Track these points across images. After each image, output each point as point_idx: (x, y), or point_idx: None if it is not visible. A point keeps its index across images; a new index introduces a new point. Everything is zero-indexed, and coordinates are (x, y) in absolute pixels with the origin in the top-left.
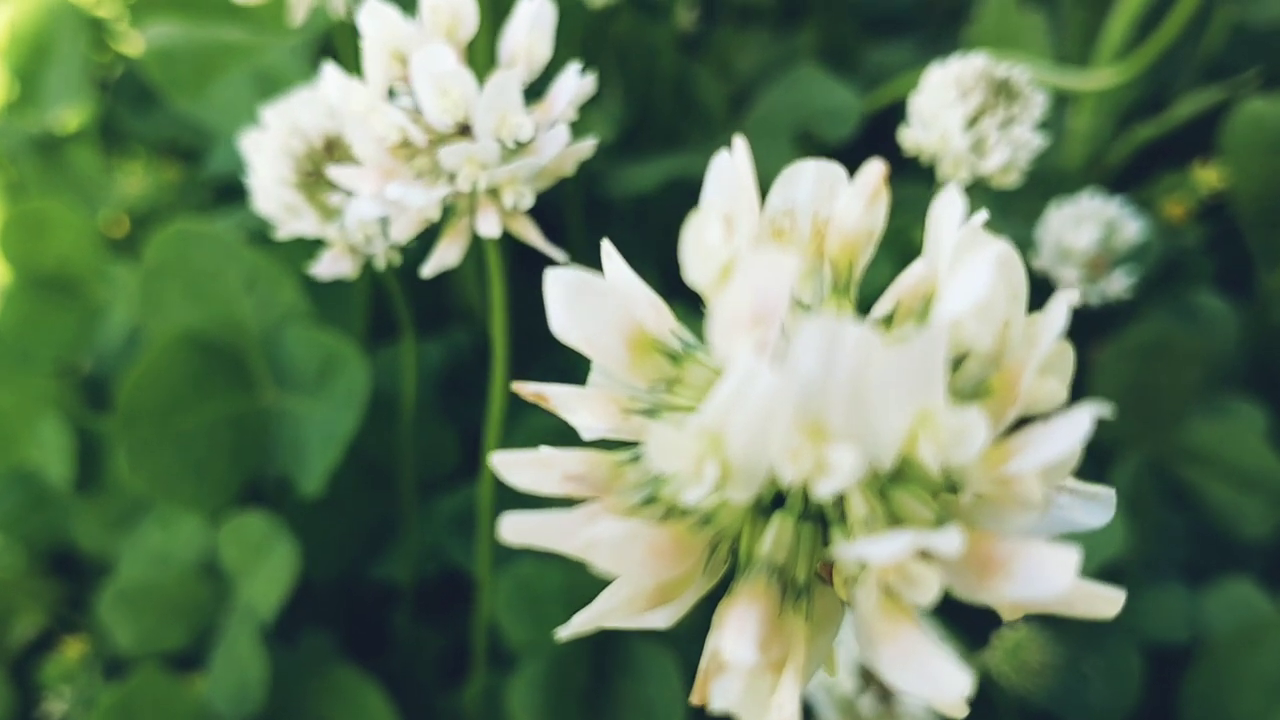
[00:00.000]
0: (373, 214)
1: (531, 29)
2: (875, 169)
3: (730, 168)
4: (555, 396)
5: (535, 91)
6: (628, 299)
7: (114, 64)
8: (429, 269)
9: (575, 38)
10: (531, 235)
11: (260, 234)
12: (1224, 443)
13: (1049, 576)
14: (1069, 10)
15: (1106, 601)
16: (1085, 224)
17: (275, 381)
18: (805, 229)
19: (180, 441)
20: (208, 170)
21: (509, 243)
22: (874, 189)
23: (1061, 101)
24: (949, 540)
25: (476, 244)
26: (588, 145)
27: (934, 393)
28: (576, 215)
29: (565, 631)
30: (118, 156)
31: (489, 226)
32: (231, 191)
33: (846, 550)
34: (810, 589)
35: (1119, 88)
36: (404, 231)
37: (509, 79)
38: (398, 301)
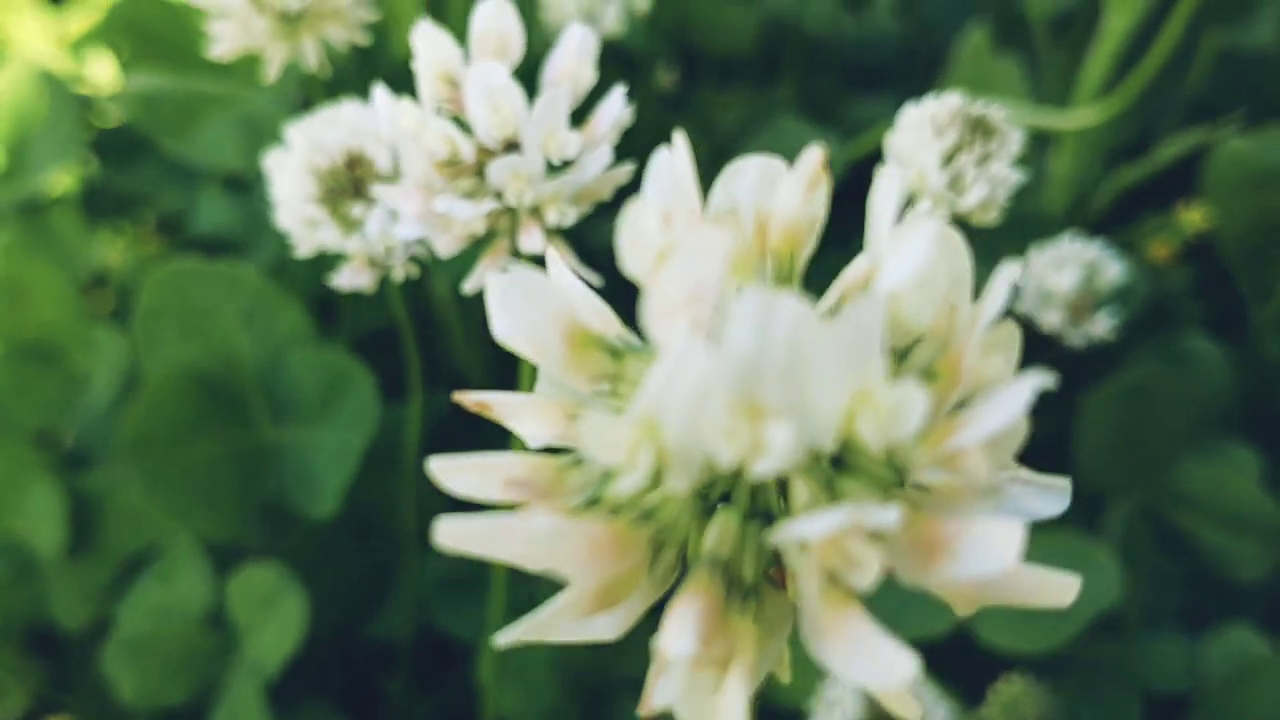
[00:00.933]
0: (415, 234)
1: (579, 54)
2: (814, 155)
3: (669, 165)
4: (499, 404)
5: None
6: (566, 296)
7: (98, 129)
8: (471, 285)
9: None
10: (569, 256)
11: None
12: (1216, 486)
13: (994, 553)
14: (1045, 54)
15: (1061, 588)
16: (1066, 267)
17: (273, 417)
18: (749, 224)
19: (189, 474)
20: (192, 229)
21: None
22: (813, 175)
23: (1043, 145)
24: (888, 514)
25: (464, 304)
26: (626, 170)
27: (872, 367)
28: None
29: (505, 638)
30: (102, 221)
31: (532, 242)
32: (216, 249)
33: (786, 531)
34: (760, 591)
35: (1101, 129)
36: (449, 247)
37: (558, 96)
38: (408, 345)
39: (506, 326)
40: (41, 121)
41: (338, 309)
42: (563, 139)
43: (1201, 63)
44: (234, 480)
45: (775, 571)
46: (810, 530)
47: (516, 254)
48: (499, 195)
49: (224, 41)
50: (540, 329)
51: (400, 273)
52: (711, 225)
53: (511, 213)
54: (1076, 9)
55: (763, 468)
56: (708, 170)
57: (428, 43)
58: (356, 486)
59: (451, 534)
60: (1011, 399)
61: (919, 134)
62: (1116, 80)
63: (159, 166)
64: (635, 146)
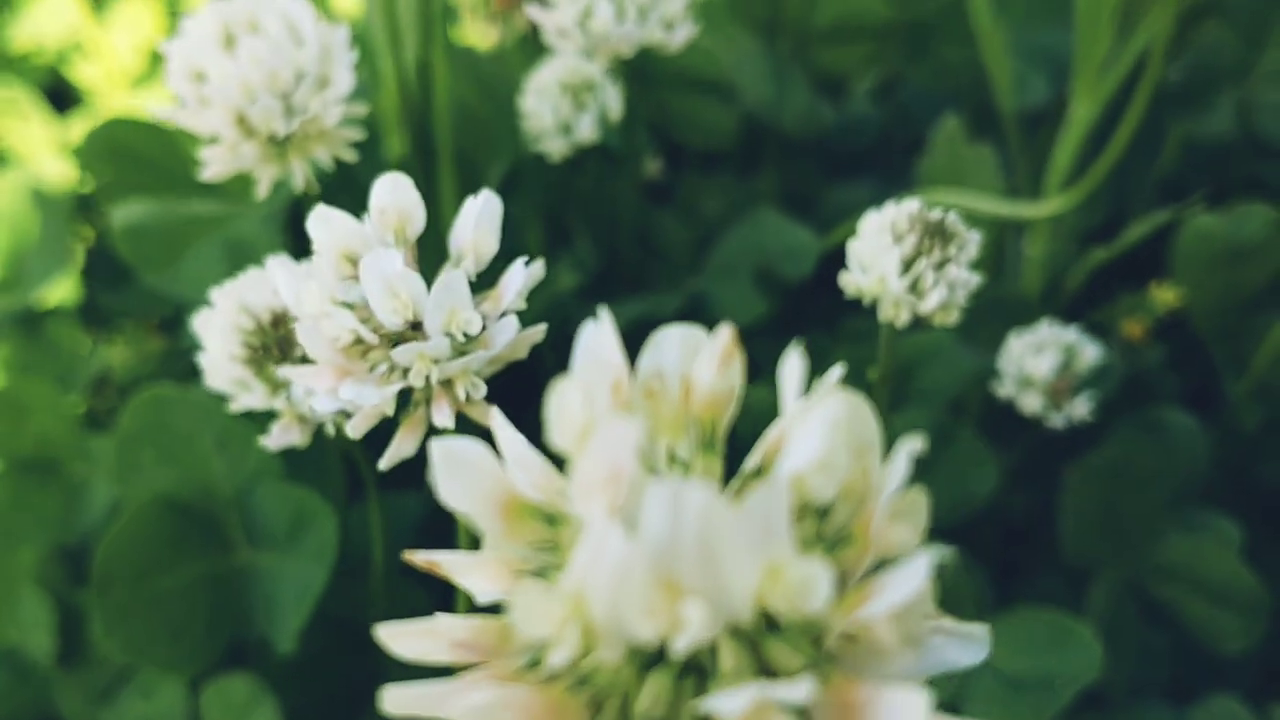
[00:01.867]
0: (329, 409)
1: (477, 225)
2: (724, 334)
3: (594, 341)
4: (447, 563)
5: (488, 278)
6: (500, 470)
7: (92, 242)
8: (386, 461)
9: (541, 190)
10: (489, 420)
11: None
12: (1198, 559)
13: (903, 718)
14: (1016, 142)
15: None
16: (1045, 351)
17: (249, 540)
18: (674, 390)
19: (156, 604)
20: (185, 340)
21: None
22: (725, 352)
23: (1018, 229)
24: (797, 690)
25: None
26: (539, 330)
27: (779, 546)
28: (549, 355)
29: None
30: (98, 331)
31: (443, 418)
32: None
33: (706, 706)
34: None
35: (1073, 213)
36: (359, 428)
37: (455, 278)
38: (360, 464)
39: (448, 495)
40: (36, 234)
41: None
42: (465, 318)
43: (1169, 150)
44: (202, 610)
45: None
46: (725, 708)
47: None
48: (406, 374)
49: (214, 165)
50: (479, 501)
51: (331, 428)
52: (623, 414)
53: (427, 385)
54: (1045, 103)
55: (682, 643)
56: (692, 261)
57: (325, 224)
58: (330, 594)
59: (397, 701)
60: (912, 573)
61: (879, 240)
62: (1085, 166)
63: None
64: (622, 237)
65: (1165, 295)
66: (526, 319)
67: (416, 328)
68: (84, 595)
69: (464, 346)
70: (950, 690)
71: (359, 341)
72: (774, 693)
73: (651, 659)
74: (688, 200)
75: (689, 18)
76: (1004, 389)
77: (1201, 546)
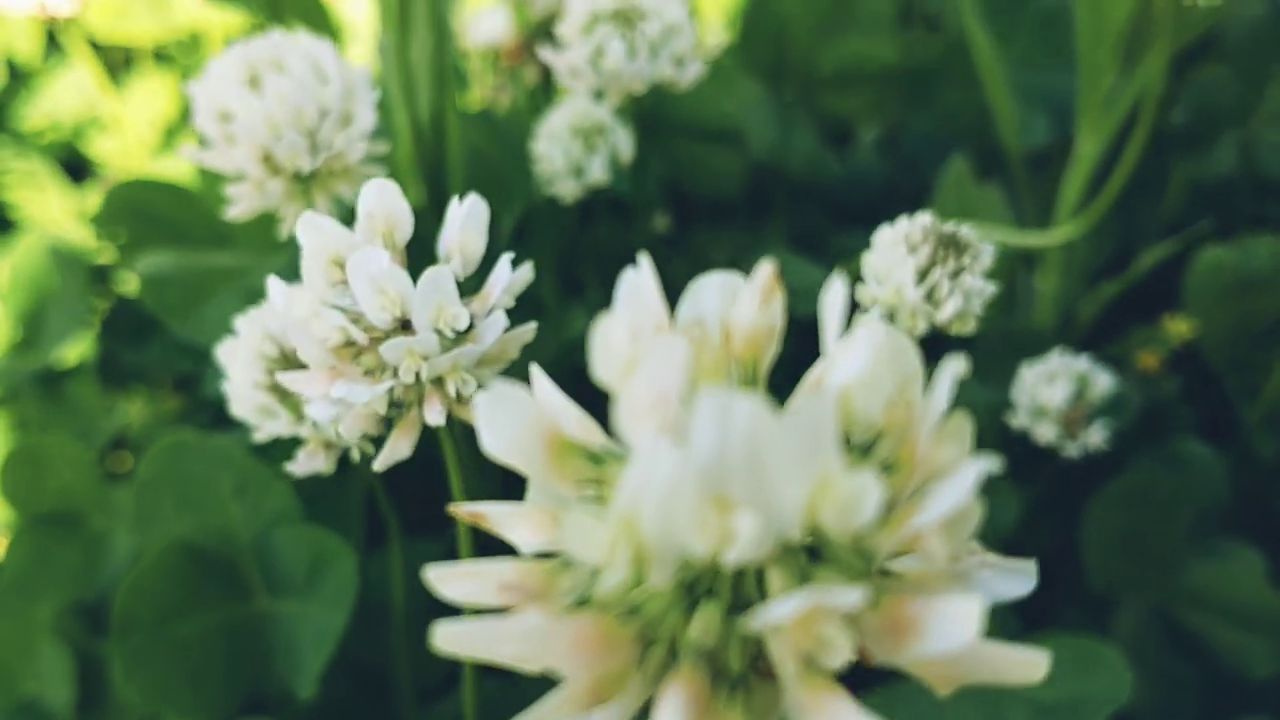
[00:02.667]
0: (326, 415)
1: (464, 226)
2: (765, 270)
3: (636, 284)
4: (492, 515)
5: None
6: (547, 406)
7: (111, 302)
8: (380, 463)
9: (554, 238)
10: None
11: (257, 447)
12: (1224, 585)
13: (956, 628)
14: (1023, 184)
15: (1030, 666)
16: (1057, 380)
17: (267, 586)
18: (715, 335)
19: (176, 651)
20: (204, 393)
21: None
22: (766, 287)
23: (1029, 266)
24: (851, 594)
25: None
26: (529, 329)
27: (828, 458)
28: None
29: None
30: (118, 389)
31: (434, 415)
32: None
33: (758, 616)
34: (747, 682)
35: (1082, 249)
36: (352, 429)
37: (442, 273)
38: (382, 504)
39: (492, 439)
40: (55, 293)
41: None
42: (453, 313)
43: (1174, 190)
44: (222, 656)
45: (762, 664)
46: (779, 612)
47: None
48: (397, 373)
49: (241, 203)
50: (524, 439)
51: (356, 453)
52: (674, 336)
53: (418, 385)
54: (1048, 144)
55: (733, 556)
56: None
57: (313, 230)
58: (351, 639)
59: (448, 637)
60: (961, 481)
61: (893, 252)
62: (1091, 202)
63: (171, 339)
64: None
65: (1178, 327)
66: (540, 363)
67: (406, 327)
68: (104, 645)
69: (452, 343)
70: (983, 717)
71: (350, 344)
72: (827, 597)
73: (701, 591)
74: (697, 250)
75: (698, 55)
76: (1018, 419)
77: (1226, 572)
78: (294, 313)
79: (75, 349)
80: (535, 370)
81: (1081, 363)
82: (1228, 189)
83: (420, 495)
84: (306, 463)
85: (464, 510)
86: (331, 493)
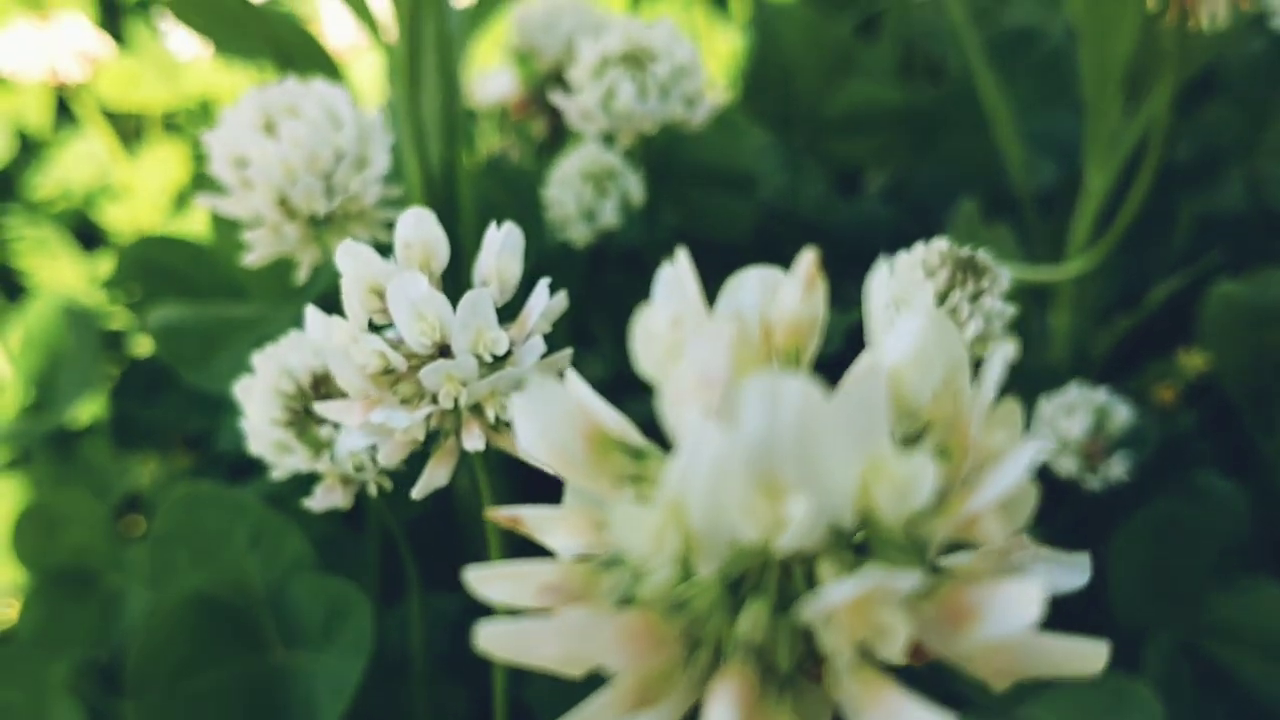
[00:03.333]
0: (361, 444)
1: (500, 253)
2: (808, 258)
3: (675, 277)
4: (529, 519)
5: (512, 314)
6: (585, 401)
7: (123, 366)
8: (419, 490)
9: (565, 287)
10: (518, 448)
11: (271, 499)
12: (1252, 617)
13: (1017, 611)
14: (1033, 224)
15: (1089, 657)
16: (1076, 413)
17: (283, 639)
18: (754, 331)
19: (191, 705)
20: (218, 447)
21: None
22: (809, 277)
23: (1041, 304)
24: (909, 578)
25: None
26: (566, 354)
27: (879, 440)
28: None
29: None
30: (130, 450)
31: (473, 441)
32: (244, 467)
33: (815, 601)
34: (796, 682)
35: (1095, 284)
36: (392, 456)
37: (481, 295)
38: (404, 552)
39: (530, 434)
40: (68, 354)
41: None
42: (492, 337)
43: (1183, 225)
44: (238, 710)
45: (810, 665)
46: (837, 594)
47: (464, 454)
48: (435, 399)
49: (258, 248)
50: (562, 432)
51: (373, 488)
52: (717, 320)
53: (456, 413)
54: (1054, 185)
55: (786, 542)
56: None
57: (352, 258)
58: (369, 693)
59: (491, 637)
60: (1017, 462)
61: (912, 276)
62: (1101, 238)
63: (183, 396)
64: None
65: (1193, 361)
66: None
67: (444, 353)
68: (119, 704)
69: (490, 369)
70: None
71: (388, 371)
72: (887, 579)
73: (747, 588)
74: (709, 295)
75: (708, 95)
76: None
77: (1255, 604)
78: (333, 341)
79: (88, 409)
80: (570, 373)
81: (1100, 395)
82: (1235, 223)
83: (434, 551)
84: (324, 498)
85: (501, 514)
86: (347, 544)
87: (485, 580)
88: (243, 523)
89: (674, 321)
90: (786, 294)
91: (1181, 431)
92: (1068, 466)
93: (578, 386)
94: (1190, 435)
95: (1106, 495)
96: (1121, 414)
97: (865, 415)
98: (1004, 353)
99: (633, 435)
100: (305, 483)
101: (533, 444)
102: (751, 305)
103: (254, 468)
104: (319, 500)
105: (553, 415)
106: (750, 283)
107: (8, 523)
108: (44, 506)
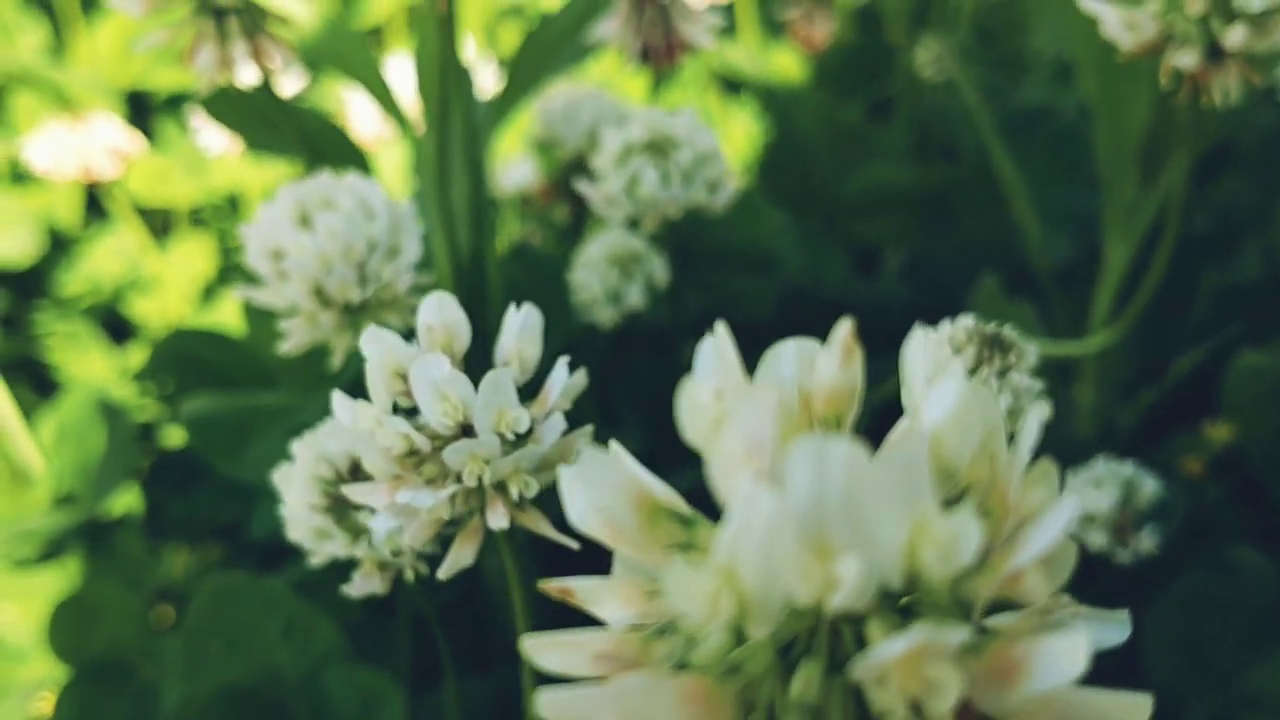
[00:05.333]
0: (390, 526)
1: (520, 334)
2: (845, 327)
3: (716, 350)
4: (580, 590)
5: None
6: (634, 471)
7: (154, 454)
8: (445, 570)
9: (592, 369)
10: (542, 526)
11: (303, 587)
12: None
13: (1063, 664)
14: (1054, 300)
15: (1130, 710)
16: (1104, 486)
17: None
18: (793, 401)
19: None
20: (251, 535)
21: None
22: (846, 346)
23: (1066, 379)
24: (958, 633)
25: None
26: (586, 430)
27: (924, 501)
28: None
29: None
30: (162, 542)
31: (498, 519)
32: (276, 556)
33: (867, 658)
34: None
35: (1118, 358)
36: (418, 536)
37: (502, 375)
38: (438, 637)
39: (581, 504)
40: (101, 447)
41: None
42: (514, 416)
43: (1203, 298)
44: None
45: None
46: (890, 650)
47: (490, 533)
48: (460, 478)
49: (294, 337)
50: (614, 503)
51: (410, 573)
52: (759, 389)
53: (480, 492)
54: (1070, 261)
55: (839, 601)
56: None
57: (376, 343)
58: None
59: (553, 704)
60: (1056, 517)
61: (939, 353)
62: (1122, 311)
63: (214, 487)
64: (671, 414)
65: (1218, 432)
66: None
67: (467, 433)
68: None
69: (513, 447)
70: None
71: (413, 452)
72: (937, 635)
73: (799, 653)
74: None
75: (730, 181)
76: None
77: None
78: (357, 425)
79: (121, 501)
80: (614, 444)
81: (1127, 468)
82: (1255, 294)
83: (462, 635)
84: (362, 584)
85: (553, 586)
86: (378, 631)
87: (541, 649)
88: (275, 613)
89: (718, 393)
90: (825, 363)
91: (1209, 503)
92: (1097, 540)
93: (625, 457)
94: (1219, 506)
95: (1136, 568)
96: (1149, 487)
97: (910, 476)
98: (1039, 413)
99: (681, 504)
100: (337, 571)
101: (584, 514)
102: (790, 376)
103: (285, 557)
104: (357, 587)
105: (604, 485)
106: (788, 354)
107: (42, 615)
108: (80, 599)
